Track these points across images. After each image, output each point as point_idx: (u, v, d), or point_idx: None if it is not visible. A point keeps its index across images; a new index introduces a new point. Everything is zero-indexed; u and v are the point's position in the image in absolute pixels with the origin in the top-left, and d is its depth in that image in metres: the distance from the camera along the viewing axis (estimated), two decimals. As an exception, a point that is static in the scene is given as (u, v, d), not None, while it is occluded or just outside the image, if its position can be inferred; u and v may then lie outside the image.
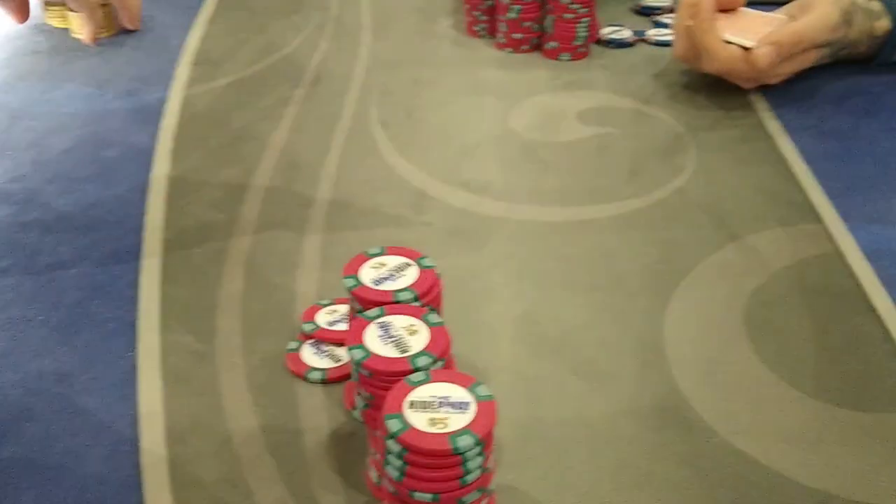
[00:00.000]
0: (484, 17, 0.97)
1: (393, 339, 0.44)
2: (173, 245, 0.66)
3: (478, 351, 0.56)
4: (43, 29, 1.02)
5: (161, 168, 0.75)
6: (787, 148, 0.77)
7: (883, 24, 0.83)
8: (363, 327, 0.45)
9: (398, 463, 0.39)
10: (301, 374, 0.54)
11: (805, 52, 0.81)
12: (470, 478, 0.39)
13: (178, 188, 0.72)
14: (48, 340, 0.58)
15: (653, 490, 0.47)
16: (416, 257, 0.49)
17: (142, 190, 0.72)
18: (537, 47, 0.95)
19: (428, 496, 0.39)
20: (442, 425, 0.39)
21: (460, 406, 0.40)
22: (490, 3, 0.96)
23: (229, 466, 0.48)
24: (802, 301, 0.60)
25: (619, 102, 0.85)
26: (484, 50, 0.96)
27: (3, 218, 0.69)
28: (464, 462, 0.38)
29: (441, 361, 0.43)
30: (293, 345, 0.56)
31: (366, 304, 0.47)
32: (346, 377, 0.54)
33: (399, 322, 0.45)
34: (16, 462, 0.49)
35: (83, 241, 0.66)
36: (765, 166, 0.74)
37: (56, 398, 0.53)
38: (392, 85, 0.88)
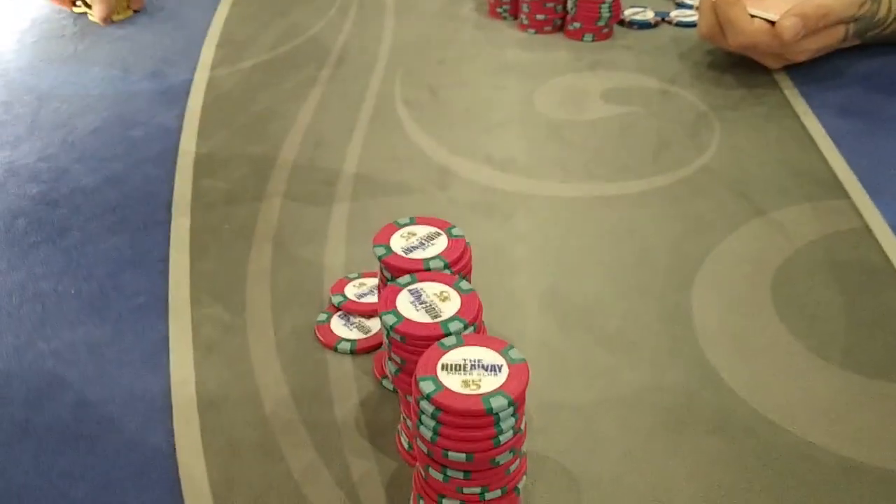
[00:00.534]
0: (507, -1, 0.98)
1: (424, 304, 0.44)
2: (201, 220, 0.66)
3: (505, 323, 0.56)
4: (68, 14, 1.02)
5: (188, 146, 0.75)
6: (814, 126, 0.76)
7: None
8: (395, 294, 0.45)
9: (432, 423, 0.39)
10: (331, 345, 0.55)
11: (831, 26, 0.80)
12: (503, 438, 0.39)
13: (204, 165, 0.73)
14: (80, 313, 0.58)
15: (683, 457, 0.47)
16: (446, 227, 0.50)
17: (169, 167, 0.73)
18: (560, 28, 0.95)
19: (462, 456, 0.39)
20: (475, 387, 0.39)
21: (493, 368, 0.40)
22: (513, -16, 0.96)
23: (261, 433, 0.49)
24: (830, 275, 0.60)
25: (644, 82, 0.85)
26: (507, 31, 0.96)
27: (33, 196, 0.70)
28: (497, 423, 0.39)
29: (473, 327, 0.44)
30: (322, 317, 0.57)
31: (396, 272, 0.47)
32: (375, 348, 0.54)
33: (430, 289, 0.45)
34: (50, 430, 0.50)
35: (112, 218, 0.67)
36: (790, 144, 0.74)
37: (89, 368, 0.54)
38: (416, 65, 0.89)
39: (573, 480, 0.46)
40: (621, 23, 0.97)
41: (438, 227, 0.50)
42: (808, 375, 0.52)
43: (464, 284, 0.46)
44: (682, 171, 0.71)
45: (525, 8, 0.94)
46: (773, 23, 0.78)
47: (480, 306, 0.45)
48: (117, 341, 0.56)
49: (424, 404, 0.39)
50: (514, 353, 0.41)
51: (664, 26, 0.97)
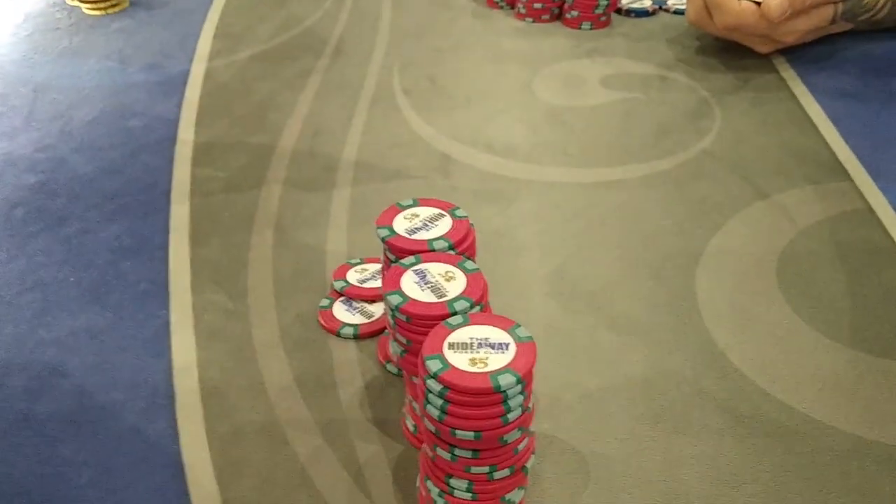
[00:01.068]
0: (504, -12, 0.97)
1: (430, 285, 0.44)
2: (201, 208, 0.66)
3: (510, 306, 0.56)
4: (62, 6, 1.02)
5: (186, 135, 0.75)
6: (814, 109, 0.76)
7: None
8: (399, 275, 0.45)
9: (439, 402, 0.39)
10: (334, 330, 0.54)
11: (819, 6, 0.79)
12: (511, 416, 0.39)
13: (203, 153, 0.72)
14: (80, 301, 0.58)
15: (691, 436, 0.47)
16: (449, 208, 0.49)
17: (168, 156, 0.72)
18: (558, 17, 0.95)
19: (470, 434, 0.38)
20: (482, 365, 0.39)
21: (500, 346, 0.40)
22: (510, -28, 0.96)
23: (265, 417, 0.49)
24: (834, 255, 0.59)
25: (643, 69, 0.84)
26: (504, 20, 0.96)
27: (32, 185, 0.69)
28: (505, 400, 0.38)
29: (479, 306, 0.43)
30: (325, 302, 0.56)
31: (400, 253, 0.47)
32: (379, 332, 0.54)
33: (435, 269, 0.45)
34: (53, 417, 0.49)
35: (111, 206, 0.67)
36: (791, 127, 0.74)
37: (90, 355, 0.53)
38: (414, 55, 0.88)
39: (581, 460, 0.46)
40: (619, 11, 0.96)
41: (442, 209, 0.49)
42: (815, 354, 0.52)
43: (469, 264, 0.45)
44: (684, 155, 0.71)
45: (523, -4, 0.94)
46: (759, 4, 0.78)
47: (486, 285, 0.44)
48: (118, 328, 0.55)
49: (432, 383, 0.39)
50: (521, 332, 0.41)
51: (662, 14, 0.96)
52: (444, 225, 0.48)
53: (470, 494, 0.41)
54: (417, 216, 0.49)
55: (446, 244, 0.47)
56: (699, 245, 0.61)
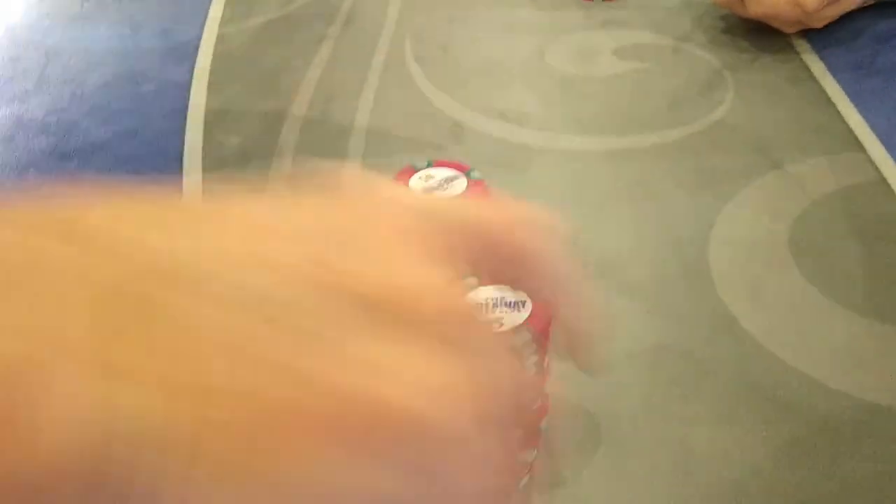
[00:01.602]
0: (517, -42, 0.96)
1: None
2: (213, 173, 0.66)
3: (522, 272, 0.55)
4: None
5: (198, 100, 0.75)
6: (830, 84, 0.76)
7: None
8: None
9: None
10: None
11: None
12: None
13: (215, 119, 0.72)
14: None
15: (704, 402, 0.47)
16: (465, 170, 0.49)
17: (180, 121, 0.72)
18: (571, -13, 0.94)
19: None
20: (497, 325, 0.39)
21: (516, 305, 0.40)
22: (524, -58, 0.95)
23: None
24: (848, 225, 0.59)
25: (657, 40, 0.84)
26: (517, -10, 0.95)
27: (44, 148, 0.69)
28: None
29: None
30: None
31: (416, 214, 0.47)
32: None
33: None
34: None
35: (122, 170, 0.67)
36: (806, 101, 0.73)
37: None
38: (426, 23, 0.88)
39: (594, 423, 0.46)
40: (633, -18, 0.96)
41: (457, 170, 0.49)
42: (829, 323, 0.52)
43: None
44: (697, 125, 0.71)
45: (536, -34, 0.93)
46: None
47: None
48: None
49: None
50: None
51: (676, -14, 0.96)
52: (460, 185, 0.48)
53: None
54: (433, 177, 0.49)
55: (462, 206, 0.47)
56: (712, 214, 0.60)
